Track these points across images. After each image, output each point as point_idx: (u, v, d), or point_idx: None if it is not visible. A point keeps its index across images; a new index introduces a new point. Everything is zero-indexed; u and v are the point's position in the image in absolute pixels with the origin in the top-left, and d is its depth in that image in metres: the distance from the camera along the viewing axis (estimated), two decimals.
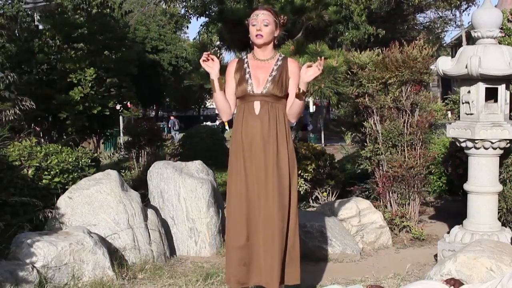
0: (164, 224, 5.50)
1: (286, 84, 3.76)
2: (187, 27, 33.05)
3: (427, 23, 31.47)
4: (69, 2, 10.19)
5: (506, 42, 6.23)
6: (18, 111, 6.52)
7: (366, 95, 6.30)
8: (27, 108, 6.58)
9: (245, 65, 3.81)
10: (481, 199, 4.95)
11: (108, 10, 9.53)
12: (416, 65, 6.08)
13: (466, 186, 5.05)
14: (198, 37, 24.94)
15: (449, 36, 51.90)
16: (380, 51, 6.46)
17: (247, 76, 3.76)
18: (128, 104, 10.80)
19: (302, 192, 7.52)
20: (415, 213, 6.29)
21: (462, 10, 29.38)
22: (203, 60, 3.73)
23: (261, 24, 3.73)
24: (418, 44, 6.18)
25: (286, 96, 3.79)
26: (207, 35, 22.87)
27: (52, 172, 5.66)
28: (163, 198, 5.62)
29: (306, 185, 7.44)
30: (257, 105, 3.73)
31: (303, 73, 3.66)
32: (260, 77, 3.76)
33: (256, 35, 3.74)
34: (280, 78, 3.74)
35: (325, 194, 7.54)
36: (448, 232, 5.21)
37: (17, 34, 8.94)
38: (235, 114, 3.85)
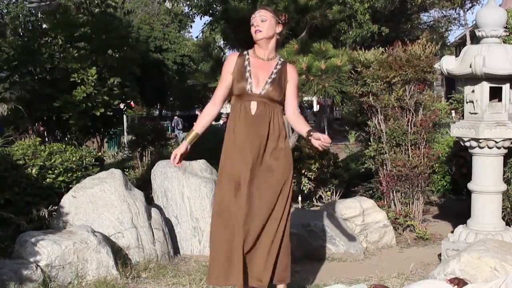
0: (168, 223, 5.50)
1: (284, 88, 3.78)
2: (191, 26, 33.00)
3: (431, 22, 31.40)
4: (72, 1, 10.18)
5: (511, 41, 6.23)
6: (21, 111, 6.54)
7: (370, 94, 6.30)
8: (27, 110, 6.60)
9: (246, 63, 3.79)
10: (485, 198, 4.94)
11: (111, 9, 9.53)
12: (420, 64, 6.08)
13: (470, 186, 5.05)
14: (201, 36, 24.95)
15: (453, 35, 51.85)
16: (384, 50, 6.46)
17: (247, 74, 3.75)
18: (132, 103, 10.79)
19: (306, 191, 7.53)
20: (419, 212, 6.29)
21: (466, 9, 29.29)
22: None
23: (259, 20, 3.75)
24: (421, 43, 6.17)
25: (282, 99, 3.80)
26: (210, 34, 22.86)
27: (56, 171, 5.67)
28: (167, 197, 5.62)
29: (310, 184, 7.44)
30: (253, 105, 3.73)
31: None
32: (260, 77, 3.75)
33: (255, 31, 3.76)
34: (280, 82, 3.76)
35: (329, 193, 7.54)
36: (452, 232, 5.20)
37: (21, 34, 8.96)
38: (231, 111, 3.83)
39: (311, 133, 3.67)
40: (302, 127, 3.80)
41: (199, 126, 3.91)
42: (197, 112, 26.24)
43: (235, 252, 3.66)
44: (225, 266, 3.68)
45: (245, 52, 3.89)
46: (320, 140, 3.60)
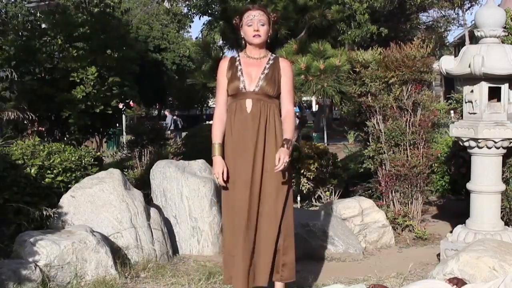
0: (167, 223, 5.50)
1: (278, 82, 3.77)
2: (190, 26, 33.00)
3: (430, 22, 31.41)
4: (71, 1, 10.19)
5: (510, 41, 6.23)
6: (19, 113, 6.54)
7: (369, 94, 6.29)
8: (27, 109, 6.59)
9: (237, 63, 3.81)
10: (484, 198, 4.94)
11: (110, 9, 9.54)
12: (416, 64, 6.08)
13: (469, 186, 5.05)
14: (200, 36, 24.95)
15: (452, 35, 51.85)
16: (383, 50, 6.46)
17: (239, 73, 3.77)
18: (131, 103, 10.80)
19: (305, 191, 7.53)
20: (417, 212, 6.28)
21: (465, 9, 29.31)
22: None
23: (258, 24, 3.74)
24: (415, 44, 6.17)
25: (278, 95, 3.79)
26: (208, 33, 22.87)
27: (55, 171, 5.66)
28: (166, 197, 5.62)
29: (309, 184, 7.44)
30: (249, 103, 3.73)
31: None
32: (252, 74, 3.76)
33: (254, 35, 3.75)
34: (273, 76, 3.75)
35: (328, 193, 7.54)
36: (451, 232, 5.20)
37: (20, 33, 8.96)
38: (227, 112, 3.83)
39: (281, 146, 3.67)
40: (284, 132, 3.75)
41: (218, 136, 3.80)
42: (166, 113, 26.08)
43: (240, 252, 3.70)
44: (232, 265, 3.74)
45: (236, 55, 3.93)
46: (279, 159, 3.58)
